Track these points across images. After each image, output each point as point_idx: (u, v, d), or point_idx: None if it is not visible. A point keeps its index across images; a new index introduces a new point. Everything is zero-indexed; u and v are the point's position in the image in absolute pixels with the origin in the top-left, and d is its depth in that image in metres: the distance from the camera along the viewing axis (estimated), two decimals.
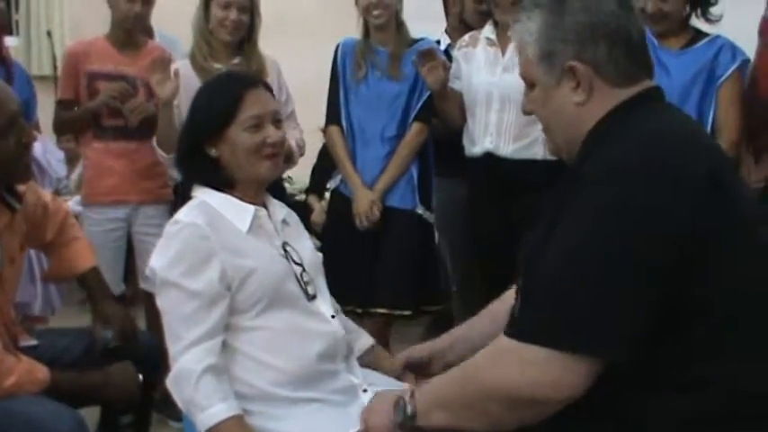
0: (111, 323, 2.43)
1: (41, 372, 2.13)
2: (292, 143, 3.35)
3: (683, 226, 1.41)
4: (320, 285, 2.12)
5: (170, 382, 1.90)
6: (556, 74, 1.59)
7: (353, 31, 3.58)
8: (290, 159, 3.49)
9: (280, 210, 2.15)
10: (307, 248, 2.15)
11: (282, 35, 4.36)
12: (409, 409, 1.64)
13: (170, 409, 3.53)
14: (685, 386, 1.46)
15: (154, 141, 3.33)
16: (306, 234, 2.23)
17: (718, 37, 3.04)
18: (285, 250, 2.05)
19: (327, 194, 5.28)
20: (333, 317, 2.08)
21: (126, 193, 3.53)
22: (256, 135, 2.01)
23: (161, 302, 1.96)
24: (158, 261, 1.95)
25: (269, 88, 2.13)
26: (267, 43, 3.49)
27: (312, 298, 2.05)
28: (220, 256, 1.91)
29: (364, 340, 2.24)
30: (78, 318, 4.97)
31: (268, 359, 1.94)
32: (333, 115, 3.58)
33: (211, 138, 2.02)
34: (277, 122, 2.07)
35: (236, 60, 3.34)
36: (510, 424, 1.53)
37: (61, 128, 3.89)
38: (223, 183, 2.04)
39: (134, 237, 3.66)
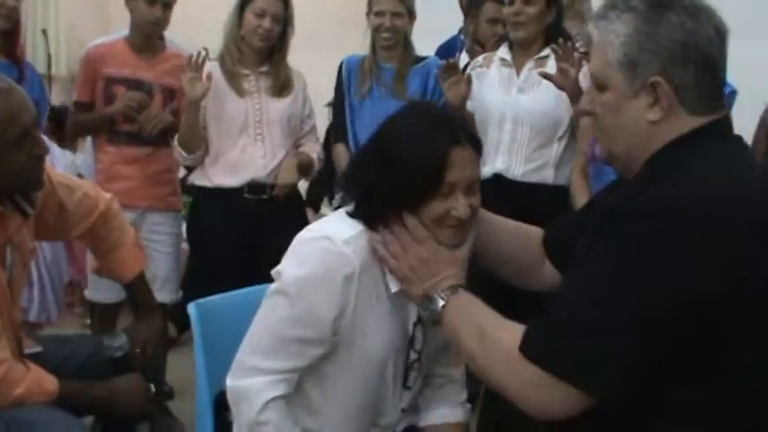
0: (133, 342, 2.39)
1: (50, 383, 2.08)
2: (313, 156, 3.49)
3: (700, 285, 1.38)
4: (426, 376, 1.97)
5: (232, 396, 1.81)
6: (636, 85, 1.53)
7: (352, 43, 3.59)
8: (309, 172, 3.51)
9: None
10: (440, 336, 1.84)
11: None
12: (434, 312, 1.68)
13: (164, 421, 3.50)
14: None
15: (175, 141, 3.36)
16: None
17: None
18: (414, 330, 1.85)
19: (324, 208, 5.32)
20: (403, 410, 1.94)
21: (135, 199, 3.48)
22: (441, 204, 1.70)
23: (267, 305, 1.81)
24: (290, 269, 1.76)
25: (476, 148, 1.77)
26: None
27: (406, 388, 1.90)
28: (350, 308, 1.74)
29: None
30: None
31: (320, 408, 1.86)
32: (339, 133, 3.62)
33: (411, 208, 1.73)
34: (471, 191, 1.74)
35: (265, 68, 3.39)
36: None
37: (77, 131, 3.89)
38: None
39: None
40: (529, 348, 1.48)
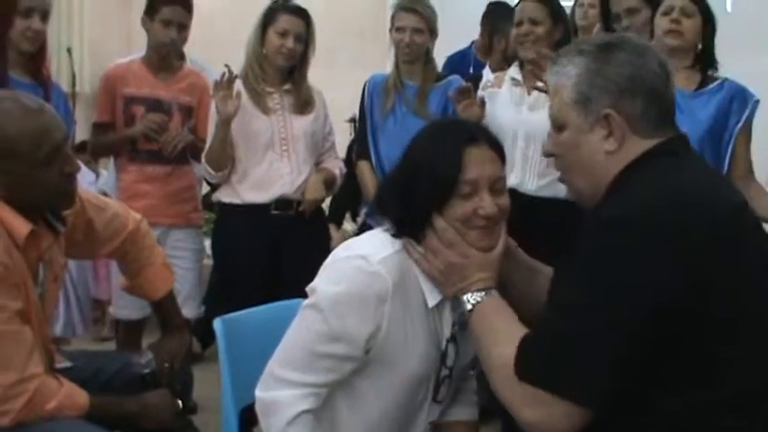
0: (161, 357, 2.42)
1: (82, 397, 2.11)
2: (336, 172, 3.56)
3: (672, 286, 1.44)
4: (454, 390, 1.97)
5: (261, 407, 1.82)
6: (590, 120, 1.63)
7: (371, 60, 3.62)
8: (332, 187, 3.55)
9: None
10: (471, 350, 1.87)
11: None
12: (463, 315, 1.76)
13: None
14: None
15: (203, 158, 3.40)
16: None
17: (726, 80, 3.09)
18: (447, 346, 1.86)
19: (346, 224, 5.36)
20: (430, 423, 1.95)
21: (158, 216, 3.52)
22: (467, 204, 1.74)
23: (301, 319, 1.82)
24: (324, 285, 1.78)
25: (494, 146, 1.80)
26: None
27: (436, 402, 1.91)
28: (383, 327, 1.75)
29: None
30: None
31: (347, 421, 1.87)
32: (362, 150, 3.66)
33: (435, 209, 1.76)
34: (497, 191, 1.77)
35: (287, 87, 3.44)
36: None
37: (98, 151, 3.97)
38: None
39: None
40: (519, 367, 1.53)
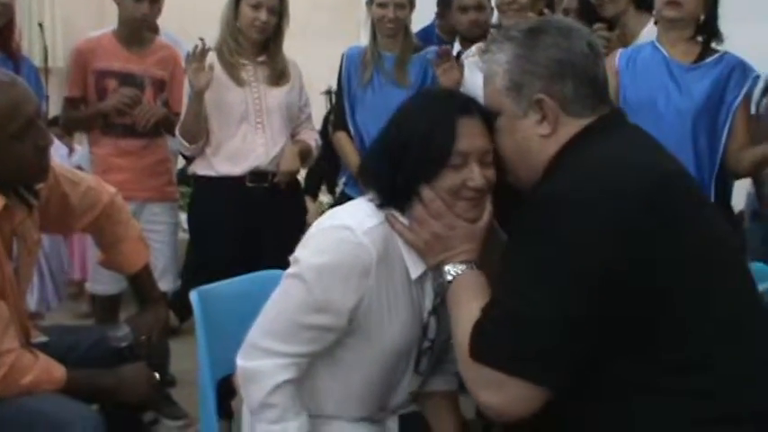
0: (138, 331, 2.42)
1: (58, 371, 2.11)
2: (312, 143, 3.56)
3: (611, 256, 1.45)
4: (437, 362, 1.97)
5: (242, 376, 1.82)
6: (523, 105, 1.66)
7: (345, 32, 3.62)
8: (308, 159, 3.56)
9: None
10: None
11: None
12: (443, 285, 1.75)
13: (167, 408, 3.55)
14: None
15: (177, 131, 3.39)
16: None
17: (726, 54, 3.02)
18: (429, 318, 1.85)
19: (321, 196, 5.37)
20: (411, 393, 1.96)
21: (132, 190, 3.48)
22: (456, 175, 1.73)
23: (284, 289, 1.80)
24: (308, 256, 1.76)
25: (485, 118, 1.76)
26: None
27: (418, 374, 1.92)
28: (366, 298, 1.75)
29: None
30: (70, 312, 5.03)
31: (327, 390, 1.88)
32: (340, 121, 3.65)
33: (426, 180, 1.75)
34: (486, 163, 1.75)
35: (262, 58, 3.42)
36: None
37: (71, 126, 3.93)
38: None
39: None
40: (473, 348, 1.54)
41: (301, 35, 4.08)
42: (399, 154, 1.74)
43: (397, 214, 1.78)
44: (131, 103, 3.51)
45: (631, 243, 1.46)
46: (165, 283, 3.60)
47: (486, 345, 1.52)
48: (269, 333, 1.79)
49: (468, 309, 1.62)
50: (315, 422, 1.86)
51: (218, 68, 3.31)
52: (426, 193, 1.74)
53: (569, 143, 1.64)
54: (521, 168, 1.72)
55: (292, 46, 3.55)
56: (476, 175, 1.72)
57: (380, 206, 1.79)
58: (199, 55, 3.19)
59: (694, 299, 1.50)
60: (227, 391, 2.40)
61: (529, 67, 1.65)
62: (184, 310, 4.22)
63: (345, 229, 1.74)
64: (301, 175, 4.94)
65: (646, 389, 1.48)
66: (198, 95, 3.25)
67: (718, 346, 1.50)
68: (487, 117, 1.75)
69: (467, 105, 1.76)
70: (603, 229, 1.46)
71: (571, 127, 1.64)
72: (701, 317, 1.50)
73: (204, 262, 3.45)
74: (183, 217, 3.92)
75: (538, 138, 1.66)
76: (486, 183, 1.74)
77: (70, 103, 3.69)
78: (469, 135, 1.72)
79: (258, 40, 3.37)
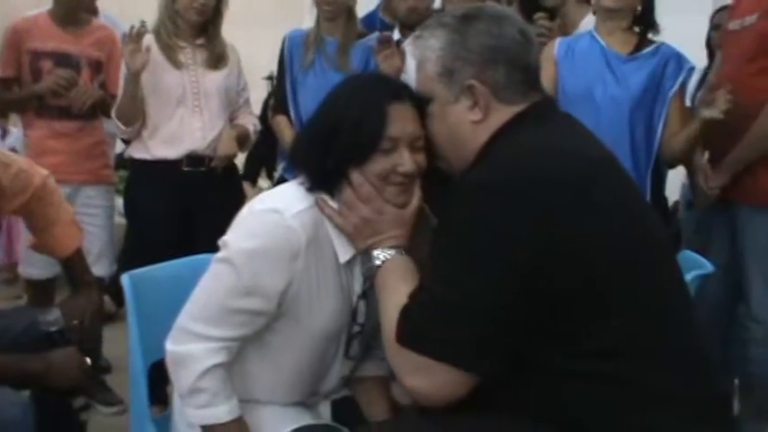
0: (70, 315, 2.39)
1: None
2: (250, 128, 3.54)
3: (540, 244, 1.46)
4: (367, 347, 1.98)
5: (171, 361, 1.81)
6: (454, 91, 1.67)
7: (288, 18, 3.59)
8: (246, 144, 3.53)
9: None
10: None
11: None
12: (371, 270, 1.75)
13: (101, 394, 3.51)
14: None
15: (113, 113, 3.34)
16: None
17: (663, 44, 3.06)
18: (358, 303, 1.86)
19: (261, 181, 5.34)
20: (343, 378, 1.97)
21: (67, 173, 3.46)
22: (386, 160, 1.73)
23: (213, 273, 1.79)
24: (237, 239, 1.76)
25: (416, 104, 1.76)
26: None
27: (349, 359, 1.93)
28: (296, 282, 1.75)
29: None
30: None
31: (257, 375, 1.88)
32: (280, 104, 3.61)
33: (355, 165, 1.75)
34: (416, 148, 1.76)
35: (200, 41, 3.39)
36: None
37: (4, 107, 3.85)
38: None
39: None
40: (400, 334, 1.55)
41: (244, 21, 4.05)
42: (330, 138, 1.74)
43: (327, 198, 1.78)
44: (67, 84, 3.45)
45: (560, 230, 1.47)
46: (101, 268, 3.56)
47: (414, 330, 1.53)
48: (198, 317, 1.78)
49: (396, 294, 1.62)
50: (246, 407, 1.86)
51: (155, 50, 3.27)
52: (356, 177, 1.74)
53: (500, 130, 1.65)
54: (452, 155, 1.73)
55: (235, 31, 3.53)
56: (405, 161, 1.72)
57: (310, 190, 1.78)
58: (135, 36, 3.15)
59: (621, 286, 1.52)
60: (161, 376, 2.37)
61: (461, 54, 1.66)
62: (121, 296, 4.17)
63: (275, 212, 1.73)
64: (240, 160, 4.93)
65: (573, 376, 1.50)
66: (134, 77, 3.20)
67: (645, 333, 1.52)
68: (419, 103, 1.75)
69: (398, 90, 1.76)
70: (532, 216, 1.47)
71: (502, 114, 1.65)
72: (628, 304, 1.52)
73: (140, 247, 3.42)
74: (122, 201, 3.88)
75: (469, 124, 1.66)
76: (416, 168, 1.74)
77: (3, 83, 3.61)
78: (400, 120, 1.72)
79: (196, 23, 3.33)
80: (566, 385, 1.50)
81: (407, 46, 3.45)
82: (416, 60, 1.75)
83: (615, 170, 1.66)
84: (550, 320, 1.49)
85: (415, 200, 1.78)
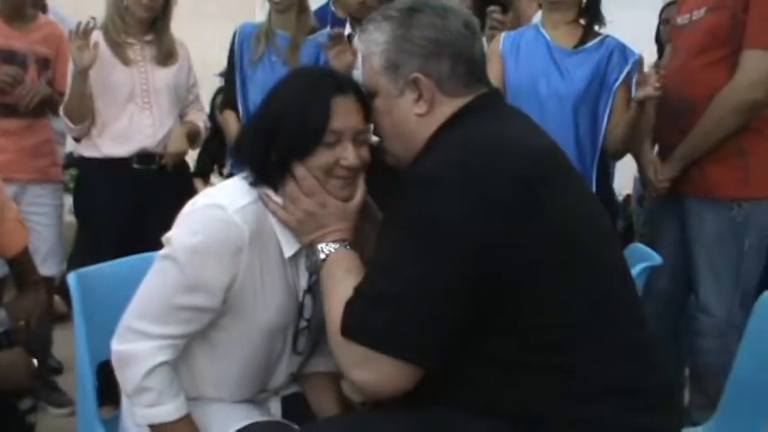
0: (16, 315, 2.35)
1: None
2: (200, 124, 3.52)
3: (482, 235, 1.47)
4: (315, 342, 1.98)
5: (117, 360, 1.78)
6: (399, 85, 1.68)
7: (238, 13, 3.57)
8: (196, 140, 3.51)
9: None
10: None
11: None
12: (315, 264, 1.74)
13: (51, 395, 3.46)
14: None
15: (61, 111, 3.30)
16: None
17: (607, 37, 3.05)
18: (304, 298, 1.85)
19: (213, 178, 5.29)
20: (291, 374, 1.97)
21: (14, 171, 3.39)
22: (329, 153, 1.72)
23: (157, 270, 1.77)
24: (180, 236, 1.73)
25: (360, 98, 1.76)
26: None
27: (296, 354, 1.93)
28: (240, 277, 1.74)
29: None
30: None
31: (205, 373, 1.87)
32: (229, 99, 3.60)
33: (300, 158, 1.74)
34: (359, 142, 1.76)
35: (149, 37, 3.36)
36: None
37: None
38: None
39: (21, 216, 3.53)
40: (345, 326, 1.55)
41: (195, 16, 4.02)
42: (273, 131, 1.73)
43: (271, 192, 1.77)
44: (13, 81, 3.38)
45: (504, 221, 1.48)
46: (50, 267, 3.51)
47: (357, 322, 1.53)
48: (143, 315, 1.76)
49: (340, 287, 1.62)
50: (194, 404, 1.85)
51: (103, 47, 3.24)
52: (299, 170, 1.73)
53: (446, 122, 1.65)
54: (399, 148, 1.73)
55: (185, 27, 3.50)
56: (349, 154, 1.72)
57: (254, 184, 1.77)
58: (82, 33, 3.11)
59: (563, 275, 1.53)
60: (112, 376, 2.35)
61: (405, 47, 1.66)
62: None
63: (217, 207, 1.72)
64: (192, 157, 4.90)
65: (515, 366, 1.51)
66: (82, 74, 3.17)
67: (586, 323, 1.54)
68: (363, 96, 1.75)
69: (342, 84, 1.75)
70: (475, 207, 1.48)
71: (447, 106, 1.66)
72: (570, 294, 1.53)
73: (91, 246, 3.38)
74: (71, 200, 3.82)
75: (414, 117, 1.67)
76: (360, 162, 1.74)
77: None
78: (344, 113, 1.71)
79: (145, 19, 3.30)
80: (515, 377, 1.51)
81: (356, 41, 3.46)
82: (362, 54, 1.75)
83: (560, 162, 1.67)
84: (496, 312, 1.50)
85: (359, 193, 1.78)
